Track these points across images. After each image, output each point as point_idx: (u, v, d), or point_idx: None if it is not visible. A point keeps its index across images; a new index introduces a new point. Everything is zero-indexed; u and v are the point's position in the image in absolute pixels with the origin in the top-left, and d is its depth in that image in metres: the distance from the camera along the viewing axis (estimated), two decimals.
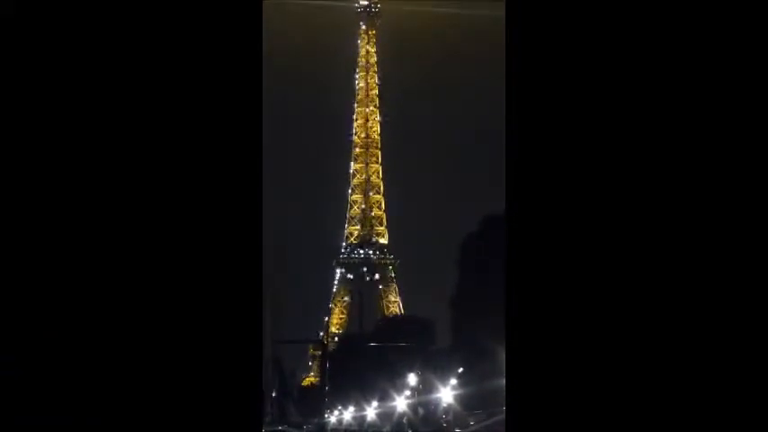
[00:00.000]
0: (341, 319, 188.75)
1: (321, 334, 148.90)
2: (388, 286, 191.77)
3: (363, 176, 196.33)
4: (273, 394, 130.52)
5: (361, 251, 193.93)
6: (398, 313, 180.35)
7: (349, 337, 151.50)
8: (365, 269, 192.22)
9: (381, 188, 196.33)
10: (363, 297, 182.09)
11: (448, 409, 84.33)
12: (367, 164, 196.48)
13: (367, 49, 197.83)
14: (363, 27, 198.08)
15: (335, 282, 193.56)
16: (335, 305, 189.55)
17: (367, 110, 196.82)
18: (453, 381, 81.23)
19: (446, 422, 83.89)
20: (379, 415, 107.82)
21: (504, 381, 14.87)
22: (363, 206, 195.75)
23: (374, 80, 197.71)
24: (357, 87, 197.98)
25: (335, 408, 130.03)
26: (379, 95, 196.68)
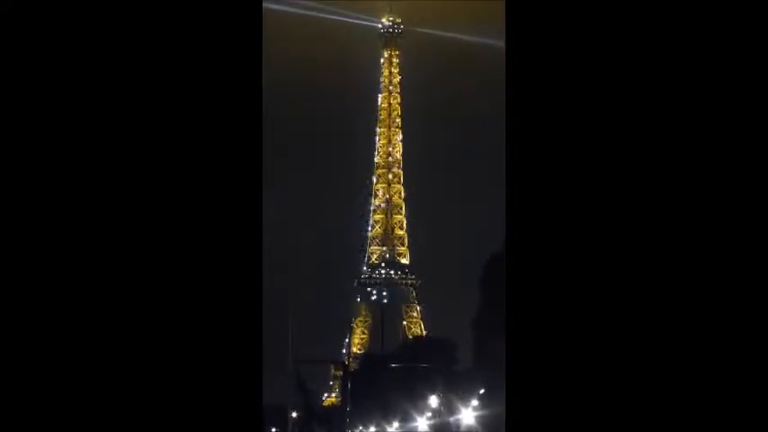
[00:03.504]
0: (362, 339, 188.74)
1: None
2: (409, 307, 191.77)
3: (385, 196, 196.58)
4: (294, 414, 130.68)
5: (383, 271, 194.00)
6: (420, 334, 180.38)
7: (371, 358, 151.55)
8: (386, 290, 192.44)
9: (403, 208, 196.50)
10: (385, 317, 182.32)
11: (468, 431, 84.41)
12: (389, 184, 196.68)
13: (390, 70, 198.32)
14: (385, 48, 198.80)
15: (357, 302, 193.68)
16: (357, 325, 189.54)
17: (389, 130, 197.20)
18: (475, 402, 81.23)
19: None
20: None
21: None
22: (385, 226, 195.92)
23: (397, 101, 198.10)
24: (379, 108, 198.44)
25: (357, 428, 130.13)
26: (401, 115, 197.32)
